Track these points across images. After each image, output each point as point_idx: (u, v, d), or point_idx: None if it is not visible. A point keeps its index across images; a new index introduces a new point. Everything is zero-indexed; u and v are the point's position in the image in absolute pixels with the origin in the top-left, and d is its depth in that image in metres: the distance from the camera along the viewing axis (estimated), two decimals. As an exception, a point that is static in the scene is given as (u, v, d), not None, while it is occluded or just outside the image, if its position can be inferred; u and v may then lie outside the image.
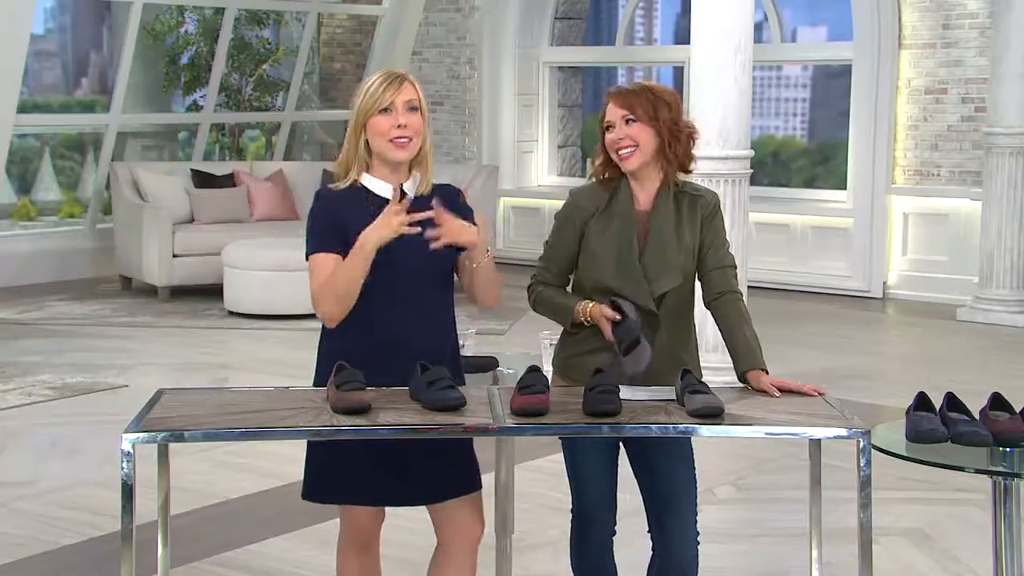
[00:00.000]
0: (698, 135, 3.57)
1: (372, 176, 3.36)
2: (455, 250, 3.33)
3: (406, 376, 3.28)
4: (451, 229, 3.25)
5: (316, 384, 3.39)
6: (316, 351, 3.45)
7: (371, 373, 3.25)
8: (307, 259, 3.35)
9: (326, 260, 3.30)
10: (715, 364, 6.34)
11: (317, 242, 3.33)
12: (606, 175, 3.55)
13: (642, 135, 3.47)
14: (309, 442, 3.39)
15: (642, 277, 3.48)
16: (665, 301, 3.50)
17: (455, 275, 3.43)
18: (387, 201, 3.28)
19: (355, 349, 3.31)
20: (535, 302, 3.63)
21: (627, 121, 3.47)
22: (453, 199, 3.40)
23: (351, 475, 3.33)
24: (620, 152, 3.48)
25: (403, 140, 3.30)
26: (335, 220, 3.31)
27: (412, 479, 3.33)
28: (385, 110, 3.28)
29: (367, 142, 3.33)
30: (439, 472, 3.35)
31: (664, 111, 3.47)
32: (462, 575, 3.43)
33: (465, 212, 3.39)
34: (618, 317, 3.39)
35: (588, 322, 3.49)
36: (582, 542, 3.64)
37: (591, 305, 3.48)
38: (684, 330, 3.57)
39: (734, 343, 3.47)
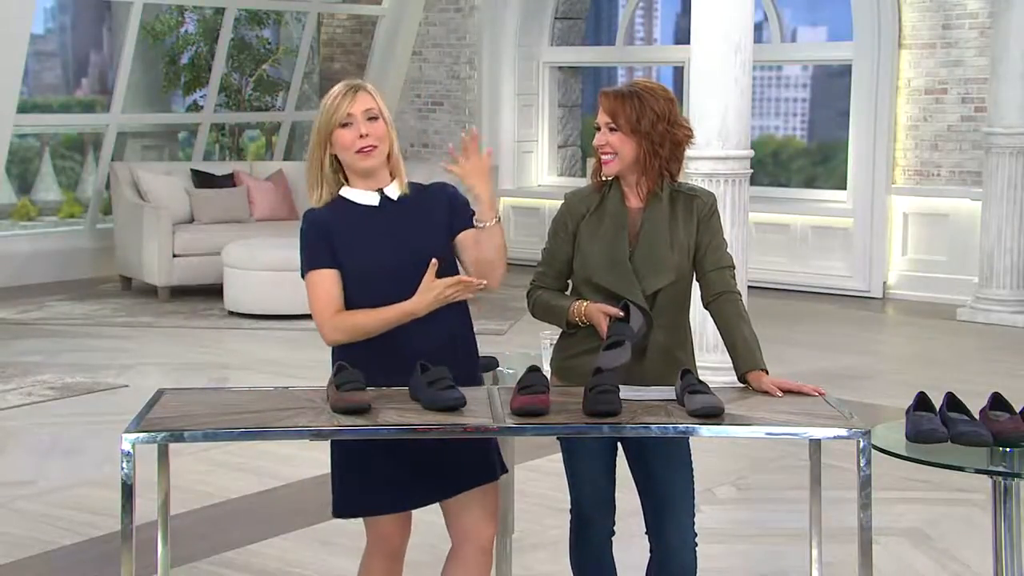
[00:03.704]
0: (691, 141, 3.55)
1: (351, 188, 3.40)
2: (449, 237, 3.38)
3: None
4: (474, 166, 3.31)
5: None
6: (330, 352, 3.45)
7: (384, 373, 3.27)
8: (303, 277, 3.37)
9: (323, 276, 3.33)
10: (715, 364, 6.36)
11: (311, 259, 3.35)
12: (600, 175, 3.56)
13: (622, 145, 3.47)
14: (333, 458, 3.39)
15: (632, 275, 3.47)
16: (658, 300, 3.49)
17: (458, 266, 3.44)
18: (372, 208, 3.37)
19: (367, 349, 3.32)
20: (533, 307, 3.63)
21: (610, 128, 3.48)
22: (444, 191, 3.46)
23: (376, 485, 3.33)
24: (601, 157, 3.51)
25: (368, 148, 3.34)
26: (325, 238, 3.34)
27: (433, 476, 3.34)
28: (345, 124, 3.32)
29: (334, 157, 3.37)
30: (458, 463, 3.36)
31: (648, 119, 3.44)
32: None
33: (457, 201, 3.44)
34: (620, 315, 3.39)
35: (583, 322, 3.49)
36: (581, 542, 3.65)
37: (586, 304, 3.48)
38: (680, 329, 3.56)
39: (733, 344, 3.47)
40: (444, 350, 3.35)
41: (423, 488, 3.36)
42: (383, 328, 3.29)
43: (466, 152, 3.34)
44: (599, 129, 3.51)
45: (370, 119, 3.33)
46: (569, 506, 3.66)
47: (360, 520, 3.46)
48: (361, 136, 3.32)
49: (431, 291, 3.23)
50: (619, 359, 3.28)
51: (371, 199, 3.39)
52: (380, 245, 3.34)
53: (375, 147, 3.34)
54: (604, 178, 3.56)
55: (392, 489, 3.34)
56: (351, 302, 3.33)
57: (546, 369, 3.74)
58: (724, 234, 3.61)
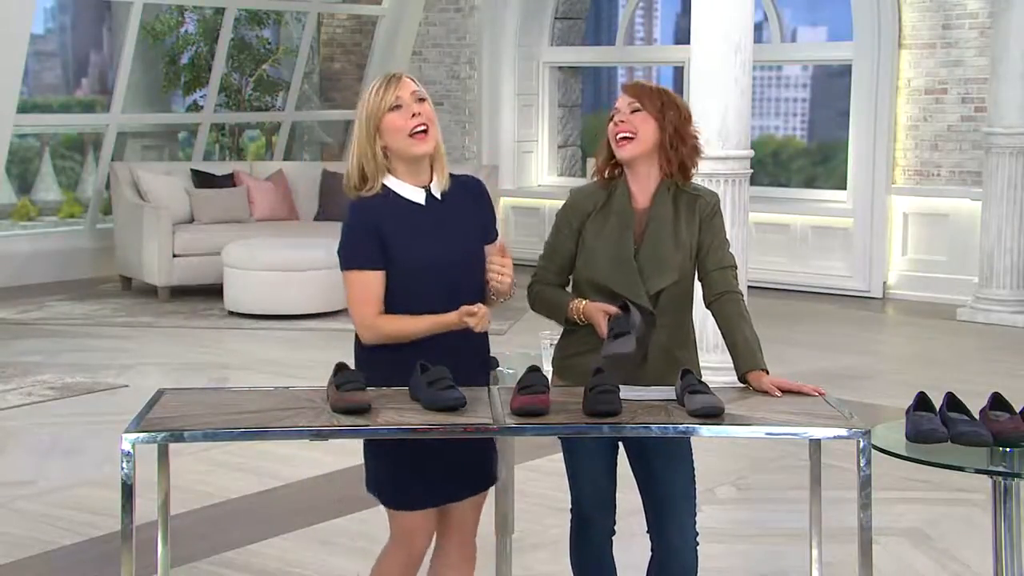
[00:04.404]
0: (703, 151, 3.57)
1: (397, 179, 3.35)
2: (483, 242, 3.41)
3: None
4: (503, 270, 3.37)
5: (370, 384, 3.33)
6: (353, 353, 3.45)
7: (401, 372, 3.26)
8: (344, 269, 3.34)
9: (369, 278, 3.30)
10: (715, 364, 6.35)
11: (358, 257, 3.31)
12: (606, 173, 3.56)
13: (643, 126, 3.47)
14: (378, 452, 3.36)
15: (637, 274, 3.48)
16: (661, 299, 3.49)
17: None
18: (418, 205, 3.33)
19: (395, 351, 3.32)
20: (533, 301, 3.64)
21: (633, 110, 3.48)
22: (477, 189, 3.51)
23: (419, 483, 3.33)
24: (618, 138, 3.49)
25: (422, 130, 3.29)
26: (372, 229, 3.30)
27: (465, 473, 3.37)
28: (396, 107, 3.28)
29: (383, 147, 3.31)
30: (477, 463, 3.39)
31: (672, 112, 3.47)
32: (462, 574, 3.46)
33: (487, 205, 3.50)
34: (620, 313, 3.39)
35: (582, 320, 3.49)
36: (581, 541, 3.65)
37: (584, 303, 3.48)
38: (681, 329, 3.56)
39: (734, 343, 3.47)
40: (459, 350, 3.35)
41: (453, 485, 3.37)
42: (418, 336, 3.29)
43: (500, 256, 3.39)
44: (612, 120, 3.50)
45: (419, 100, 3.31)
46: (569, 506, 3.66)
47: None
48: (414, 115, 3.28)
49: (473, 316, 3.24)
50: (625, 347, 3.28)
51: (418, 196, 3.35)
52: (428, 245, 3.31)
53: (427, 129, 3.30)
54: (609, 176, 3.56)
55: (428, 485, 3.33)
56: (393, 297, 3.31)
57: (546, 369, 3.74)
58: (726, 234, 3.62)
